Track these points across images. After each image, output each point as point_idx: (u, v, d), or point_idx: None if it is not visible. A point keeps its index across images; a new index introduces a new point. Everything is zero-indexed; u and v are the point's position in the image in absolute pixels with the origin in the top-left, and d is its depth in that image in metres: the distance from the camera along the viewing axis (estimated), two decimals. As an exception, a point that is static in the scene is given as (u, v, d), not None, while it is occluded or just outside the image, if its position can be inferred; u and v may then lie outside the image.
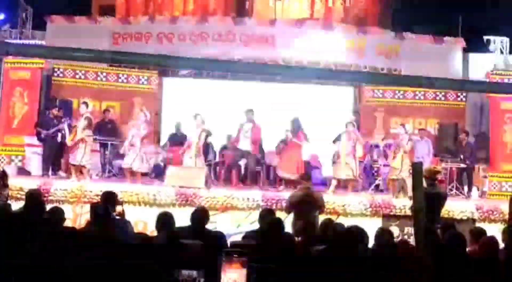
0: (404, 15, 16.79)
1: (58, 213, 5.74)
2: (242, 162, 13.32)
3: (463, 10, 15.86)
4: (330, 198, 10.99)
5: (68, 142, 12.35)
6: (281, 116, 14.34)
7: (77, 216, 10.48)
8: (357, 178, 12.65)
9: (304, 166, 12.90)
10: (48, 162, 12.96)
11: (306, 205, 8.83)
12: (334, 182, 12.40)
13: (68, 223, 9.25)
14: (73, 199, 10.71)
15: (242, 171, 13.94)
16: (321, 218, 8.25)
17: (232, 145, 14.46)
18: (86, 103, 12.49)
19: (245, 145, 12.49)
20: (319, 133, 13.48)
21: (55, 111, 13.27)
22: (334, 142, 12.66)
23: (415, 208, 3.86)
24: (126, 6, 16.71)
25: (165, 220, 5.70)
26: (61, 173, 13.01)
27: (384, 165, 13.55)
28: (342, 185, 12.74)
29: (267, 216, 6.71)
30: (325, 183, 13.97)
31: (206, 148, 13.75)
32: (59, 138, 12.99)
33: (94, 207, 6.25)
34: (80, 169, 12.08)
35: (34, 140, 13.40)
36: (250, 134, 12.46)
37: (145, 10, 16.54)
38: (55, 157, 13.16)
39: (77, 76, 15.47)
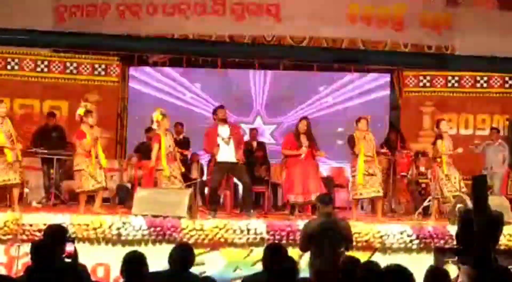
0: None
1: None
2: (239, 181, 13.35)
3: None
4: (362, 228, 11.00)
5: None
6: (289, 116, 14.43)
7: (12, 260, 10.47)
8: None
9: (323, 184, 12.91)
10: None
11: (327, 237, 8.82)
12: (354, 203, 12.53)
13: (1, 270, 9.29)
14: (7, 237, 10.70)
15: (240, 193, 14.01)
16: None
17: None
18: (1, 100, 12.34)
19: (226, 155, 12.46)
20: (343, 138, 13.48)
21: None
22: (351, 146, 12.60)
23: (478, 237, 3.88)
24: (73, -32, 16.78)
25: (133, 263, 5.70)
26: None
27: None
28: (367, 207, 12.81)
29: (275, 255, 6.71)
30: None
31: (188, 163, 13.80)
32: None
33: (36, 247, 6.25)
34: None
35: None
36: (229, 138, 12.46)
37: (99, -27, 16.60)
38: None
39: (9, 67, 15.51)
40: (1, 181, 11.87)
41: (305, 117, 12.88)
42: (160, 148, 12.10)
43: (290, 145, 12.51)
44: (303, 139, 12.42)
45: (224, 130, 12.33)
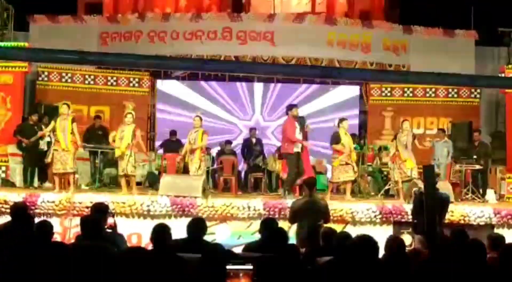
0: (412, 8, 16.78)
1: (46, 227, 5.73)
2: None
3: (475, 1, 15.83)
4: (338, 206, 10.98)
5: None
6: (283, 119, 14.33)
7: (66, 230, 10.46)
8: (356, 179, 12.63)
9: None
10: (32, 172, 12.94)
11: (309, 213, 8.80)
12: (330, 186, 12.53)
13: (56, 238, 9.29)
14: (62, 212, 10.68)
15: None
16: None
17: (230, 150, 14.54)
18: (67, 105, 12.34)
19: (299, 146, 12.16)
20: (323, 136, 13.46)
21: (34, 117, 13.23)
22: (336, 141, 12.57)
23: (428, 213, 3.87)
24: (114, 3, 16.77)
25: (160, 232, 5.69)
26: (48, 184, 12.98)
27: (393, 168, 13.52)
28: (341, 188, 12.81)
29: (269, 226, 6.70)
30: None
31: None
32: (44, 147, 12.96)
33: (84, 220, 6.24)
34: (66, 178, 12.04)
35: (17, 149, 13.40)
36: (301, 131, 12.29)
37: (134, 7, 16.57)
38: (40, 167, 13.13)
39: (63, 80, 15.53)
40: (61, 169, 11.91)
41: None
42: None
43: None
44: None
45: (298, 125, 12.07)
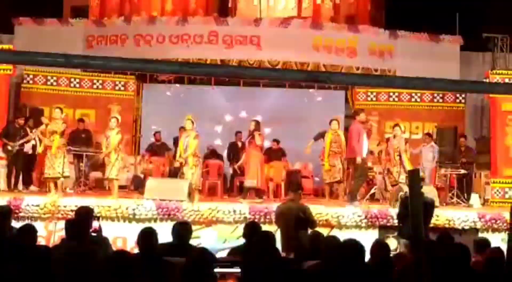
0: (398, 12, 16.85)
1: (29, 231, 5.69)
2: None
3: (460, 7, 15.92)
4: (323, 210, 10.99)
5: (39, 149, 12.32)
6: (269, 123, 14.38)
7: (50, 234, 10.40)
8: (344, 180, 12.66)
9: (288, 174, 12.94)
10: (16, 176, 12.87)
11: (288, 218, 8.76)
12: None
13: (41, 241, 9.22)
14: (46, 215, 10.63)
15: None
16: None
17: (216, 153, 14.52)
18: (60, 109, 12.34)
19: None
20: (309, 140, 13.47)
21: (20, 120, 13.17)
22: (315, 139, 12.61)
23: (413, 217, 3.87)
24: (100, 6, 16.68)
25: (146, 236, 5.66)
26: (33, 187, 12.92)
27: (379, 173, 13.58)
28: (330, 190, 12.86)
29: (252, 230, 6.69)
30: (318, 193, 14.06)
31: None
32: (28, 150, 12.90)
33: (69, 223, 6.21)
34: (55, 181, 12.00)
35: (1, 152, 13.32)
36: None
37: (120, 11, 16.50)
38: (26, 170, 13.07)
39: (49, 83, 15.44)
40: (52, 174, 11.87)
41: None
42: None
43: None
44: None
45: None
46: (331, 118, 12.79)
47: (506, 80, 14.18)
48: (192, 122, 12.25)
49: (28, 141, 12.85)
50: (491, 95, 13.57)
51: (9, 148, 12.85)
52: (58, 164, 11.77)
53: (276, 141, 14.67)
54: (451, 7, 15.90)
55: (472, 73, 16.01)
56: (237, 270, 5.17)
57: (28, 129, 12.90)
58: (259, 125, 12.64)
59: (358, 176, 11.89)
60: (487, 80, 14.14)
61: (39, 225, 9.42)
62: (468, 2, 16.02)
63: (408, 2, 16.62)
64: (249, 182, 12.36)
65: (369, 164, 14.19)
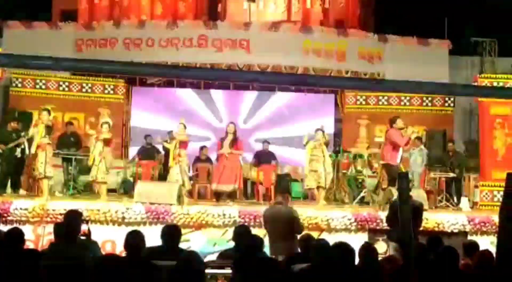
0: (387, 17, 16.91)
1: (16, 235, 5.66)
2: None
3: (449, 11, 16.00)
4: (312, 213, 10.99)
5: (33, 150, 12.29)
6: (259, 127, 14.39)
7: (39, 238, 10.36)
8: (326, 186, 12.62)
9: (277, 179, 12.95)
10: (5, 179, 12.81)
11: (277, 220, 8.73)
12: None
13: (29, 245, 9.17)
14: (35, 219, 10.58)
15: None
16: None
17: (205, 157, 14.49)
18: (48, 111, 12.28)
19: None
20: (298, 144, 13.48)
21: (13, 124, 13.13)
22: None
23: (403, 220, 3.88)
24: (89, 10, 16.67)
25: (134, 240, 5.64)
26: (22, 191, 12.85)
27: (369, 176, 13.60)
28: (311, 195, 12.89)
29: (242, 234, 6.68)
30: (307, 197, 14.06)
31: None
32: (18, 154, 12.84)
33: (57, 227, 6.18)
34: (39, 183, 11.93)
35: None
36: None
37: (109, 15, 16.49)
38: (15, 174, 13.01)
39: (38, 86, 15.37)
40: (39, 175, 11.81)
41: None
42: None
43: None
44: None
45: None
46: (317, 128, 12.73)
47: (494, 84, 14.23)
48: (185, 127, 12.33)
49: (19, 145, 12.79)
50: (479, 99, 13.62)
51: (0, 151, 12.78)
52: (40, 164, 11.69)
53: (267, 142, 14.64)
54: (440, 12, 15.98)
55: (461, 77, 16.07)
56: (227, 271, 5.15)
57: (16, 133, 12.86)
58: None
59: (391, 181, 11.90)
60: (476, 84, 14.16)
61: (27, 229, 9.39)
62: (457, 6, 16.09)
63: (397, 6, 16.70)
64: (225, 187, 12.47)
65: (358, 167, 14.22)
